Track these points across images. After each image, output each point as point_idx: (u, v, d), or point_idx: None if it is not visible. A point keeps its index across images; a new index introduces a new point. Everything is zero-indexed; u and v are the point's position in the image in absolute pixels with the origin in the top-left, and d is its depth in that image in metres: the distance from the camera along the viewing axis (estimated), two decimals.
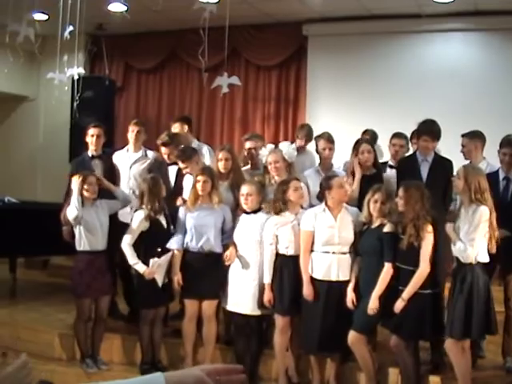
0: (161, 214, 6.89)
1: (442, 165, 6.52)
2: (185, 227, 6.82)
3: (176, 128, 8.35)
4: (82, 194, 6.85)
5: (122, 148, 8.05)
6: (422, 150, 6.85)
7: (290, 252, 6.47)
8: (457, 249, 5.73)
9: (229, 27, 8.72)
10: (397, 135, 7.61)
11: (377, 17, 10.51)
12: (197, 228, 6.75)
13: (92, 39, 12.01)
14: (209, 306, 6.78)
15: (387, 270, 6.03)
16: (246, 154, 7.76)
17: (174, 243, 6.83)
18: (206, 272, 6.70)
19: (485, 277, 5.69)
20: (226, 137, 11.52)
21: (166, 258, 6.78)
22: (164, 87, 12.40)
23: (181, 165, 7.35)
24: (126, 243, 6.79)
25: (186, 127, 8.38)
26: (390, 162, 7.60)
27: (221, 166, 7.10)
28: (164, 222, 6.92)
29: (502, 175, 6.63)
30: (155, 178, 7.02)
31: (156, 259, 6.74)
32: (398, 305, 5.90)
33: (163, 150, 7.65)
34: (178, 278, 6.74)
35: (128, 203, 7.29)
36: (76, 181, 6.86)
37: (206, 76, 9.11)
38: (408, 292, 5.88)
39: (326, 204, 6.36)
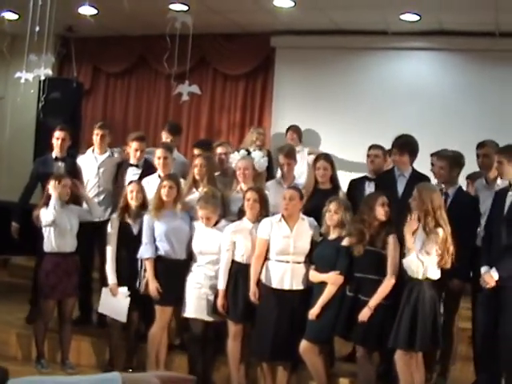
0: (135, 220, 6.97)
1: (418, 181, 6.42)
2: (153, 235, 6.83)
3: (168, 139, 8.45)
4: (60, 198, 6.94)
5: (86, 152, 8.09)
6: (394, 164, 6.97)
7: (246, 260, 6.54)
8: (408, 261, 5.85)
9: (198, 36, 8.83)
10: (372, 146, 7.66)
11: (344, 32, 10.63)
12: (168, 234, 6.76)
13: (61, 41, 11.99)
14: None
15: (337, 278, 6.16)
16: (217, 159, 7.81)
17: (145, 253, 6.83)
18: (180, 278, 6.76)
19: (432, 292, 5.78)
20: (191, 144, 11.53)
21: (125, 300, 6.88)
22: (131, 92, 12.41)
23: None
24: (109, 251, 6.93)
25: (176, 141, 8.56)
26: (369, 175, 7.49)
27: (196, 172, 7.14)
28: (135, 229, 6.98)
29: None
30: (137, 182, 7.11)
31: (125, 290, 6.87)
32: (364, 313, 5.95)
33: (135, 145, 7.68)
34: (155, 285, 6.72)
35: (98, 216, 7.37)
36: (53, 185, 6.92)
37: (175, 85, 9.18)
38: (375, 300, 5.95)
39: (282, 214, 6.47)
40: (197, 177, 7.12)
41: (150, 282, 6.74)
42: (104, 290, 6.99)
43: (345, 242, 6.20)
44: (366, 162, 7.53)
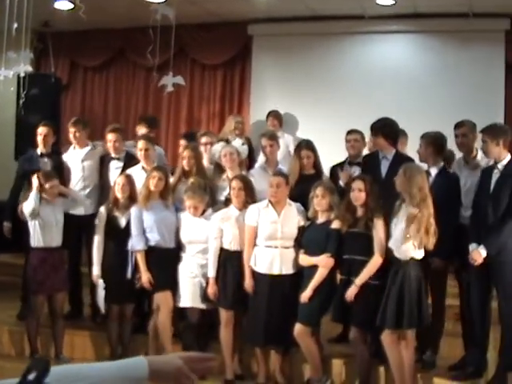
0: (122, 212, 7.03)
1: (401, 163, 6.48)
2: (142, 226, 6.89)
3: (142, 130, 8.51)
4: (40, 191, 6.95)
5: (68, 149, 8.12)
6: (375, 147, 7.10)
7: (234, 247, 6.65)
8: (393, 244, 6.01)
9: (175, 27, 8.82)
10: (350, 131, 7.78)
11: (321, 18, 10.67)
12: (158, 224, 6.84)
13: (38, 36, 11.92)
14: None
15: (328, 261, 6.26)
16: (202, 149, 7.89)
17: (136, 244, 6.89)
18: (171, 266, 6.84)
19: (417, 271, 5.92)
20: (171, 136, 11.57)
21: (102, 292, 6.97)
22: (110, 85, 12.37)
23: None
24: (95, 243, 7.02)
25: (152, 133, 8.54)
26: (350, 160, 7.63)
27: (185, 163, 7.23)
28: (123, 221, 7.03)
29: None
30: (125, 176, 7.16)
31: (101, 282, 6.96)
32: (351, 291, 6.08)
33: (110, 136, 7.73)
34: (148, 276, 6.80)
35: (84, 204, 7.45)
36: (35, 179, 6.95)
37: (157, 77, 9.22)
38: (361, 279, 6.06)
39: (270, 200, 6.55)
40: (186, 168, 7.21)
41: (142, 274, 6.81)
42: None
43: (334, 225, 6.31)
44: (346, 147, 7.64)
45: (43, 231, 6.98)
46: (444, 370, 6.57)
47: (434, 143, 6.83)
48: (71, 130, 7.91)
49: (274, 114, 9.97)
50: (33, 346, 7.13)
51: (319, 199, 6.33)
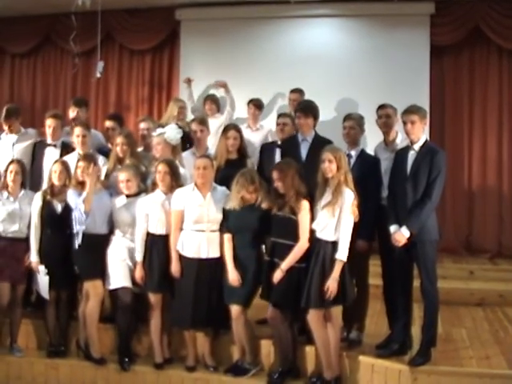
0: (58, 198, 6.97)
1: (321, 145, 6.54)
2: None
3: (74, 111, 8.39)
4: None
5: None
6: (299, 128, 7.10)
7: (160, 231, 6.67)
8: (318, 225, 6.13)
9: (102, 12, 8.79)
10: (281, 115, 7.85)
11: (248, 2, 10.77)
12: (92, 209, 6.77)
13: None
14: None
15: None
16: (140, 134, 7.94)
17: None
18: (102, 251, 6.84)
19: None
20: (100, 121, 11.47)
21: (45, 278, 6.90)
22: (38, 71, 12.29)
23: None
24: (32, 230, 6.96)
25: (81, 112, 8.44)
26: (279, 142, 7.58)
27: (118, 150, 7.22)
28: (59, 207, 6.99)
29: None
30: (62, 162, 7.09)
31: (43, 268, 6.89)
32: (277, 275, 6.15)
33: (50, 122, 7.66)
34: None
35: None
36: None
37: (79, 64, 9.16)
38: (287, 263, 6.14)
39: (196, 183, 6.58)
40: (120, 154, 7.22)
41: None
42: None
43: (262, 206, 6.37)
44: (276, 130, 7.72)
45: (6, 221, 6.99)
46: (370, 349, 6.68)
47: (360, 124, 6.97)
48: (4, 124, 7.84)
49: (211, 99, 9.90)
50: None
51: (248, 195, 6.39)
